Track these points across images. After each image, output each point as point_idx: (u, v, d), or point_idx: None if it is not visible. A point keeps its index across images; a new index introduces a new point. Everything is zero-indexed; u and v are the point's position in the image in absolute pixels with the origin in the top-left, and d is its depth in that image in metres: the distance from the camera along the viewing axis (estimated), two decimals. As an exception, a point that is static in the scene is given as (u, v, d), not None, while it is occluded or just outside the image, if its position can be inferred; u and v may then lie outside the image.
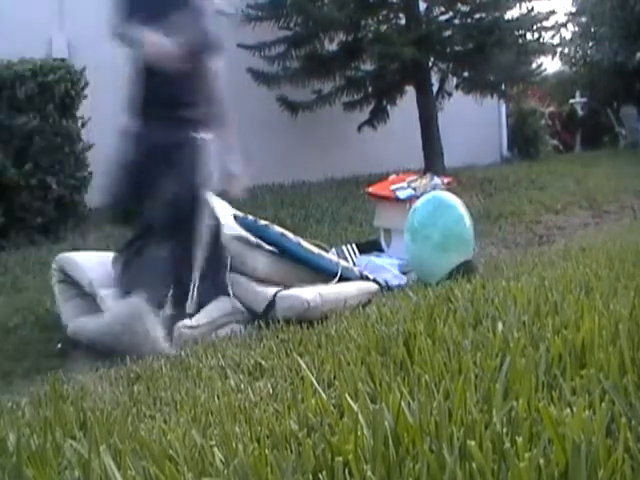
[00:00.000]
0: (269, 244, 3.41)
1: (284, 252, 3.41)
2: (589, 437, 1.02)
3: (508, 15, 8.32)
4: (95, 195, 6.32)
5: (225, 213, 3.56)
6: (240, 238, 3.41)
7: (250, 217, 3.53)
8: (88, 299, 3.40)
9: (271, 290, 3.23)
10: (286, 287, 3.28)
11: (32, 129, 5.61)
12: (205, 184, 3.20)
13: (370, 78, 8.05)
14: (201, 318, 3.14)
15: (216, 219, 3.36)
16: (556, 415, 1.13)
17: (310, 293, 3.13)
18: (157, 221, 3.08)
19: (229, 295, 3.31)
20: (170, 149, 3.14)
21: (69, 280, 3.49)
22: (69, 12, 7.11)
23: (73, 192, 5.96)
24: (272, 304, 3.16)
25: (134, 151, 3.20)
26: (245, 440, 1.33)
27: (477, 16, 8.12)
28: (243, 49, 7.55)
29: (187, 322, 3.09)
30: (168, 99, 3.17)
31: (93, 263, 3.52)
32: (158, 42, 3.09)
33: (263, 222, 3.48)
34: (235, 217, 3.49)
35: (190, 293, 3.16)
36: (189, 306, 3.17)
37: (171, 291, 3.13)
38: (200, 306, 3.21)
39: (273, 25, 7.65)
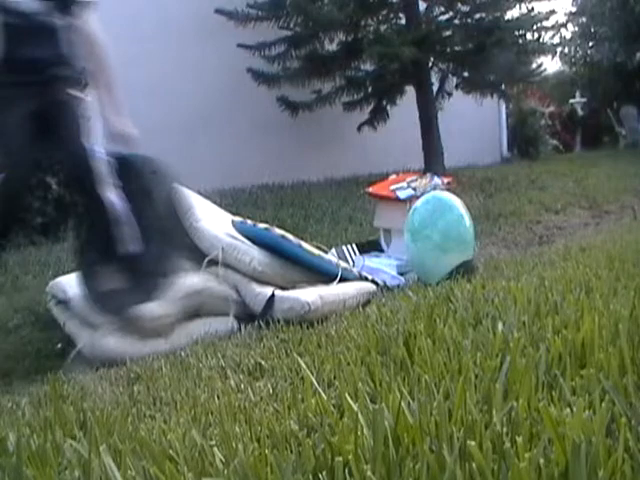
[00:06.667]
0: (269, 247, 3.38)
1: (284, 254, 3.39)
2: (589, 437, 1.02)
3: (508, 15, 8.31)
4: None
5: (222, 217, 3.53)
6: (235, 236, 3.40)
7: (249, 221, 3.51)
8: (83, 309, 3.39)
9: (268, 290, 3.22)
10: (284, 288, 3.26)
11: (32, 129, 5.61)
12: (89, 143, 2.99)
13: (370, 78, 8.05)
14: (167, 306, 3.04)
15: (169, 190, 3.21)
16: (556, 415, 1.13)
17: (310, 295, 3.12)
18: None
19: (191, 247, 3.22)
20: (48, 110, 2.95)
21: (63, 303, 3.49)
22: (69, 12, 7.11)
23: (73, 192, 5.96)
24: (270, 304, 3.15)
25: (11, 114, 2.99)
26: (245, 440, 1.33)
27: (477, 16, 8.11)
28: (243, 49, 7.56)
29: (155, 312, 2.99)
30: (37, 56, 2.96)
31: (68, 277, 3.49)
32: None
33: (262, 225, 3.45)
34: (233, 222, 3.47)
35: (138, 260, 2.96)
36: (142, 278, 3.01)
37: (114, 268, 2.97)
38: (159, 275, 3.04)
39: (273, 25, 7.64)
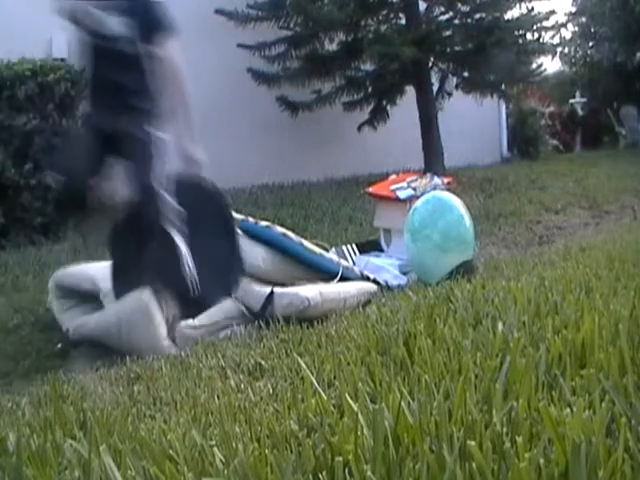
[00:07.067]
0: (271, 245, 3.40)
1: (286, 252, 3.40)
2: (589, 437, 1.02)
3: (508, 15, 8.32)
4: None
5: None
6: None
7: (250, 219, 3.52)
8: (87, 307, 3.40)
9: (268, 288, 3.23)
10: (285, 286, 3.27)
11: (32, 129, 5.61)
12: (160, 179, 3.09)
13: (370, 78, 8.05)
14: (204, 319, 3.13)
15: (230, 220, 3.36)
16: (556, 415, 1.13)
17: (310, 291, 3.13)
18: (127, 220, 3.07)
19: (232, 297, 3.30)
20: (123, 142, 3.03)
21: (67, 294, 3.49)
22: (69, 12, 7.11)
23: (73, 192, 5.96)
24: (270, 300, 3.15)
25: (86, 137, 3.15)
26: (245, 440, 1.33)
27: (477, 16, 8.12)
28: (243, 49, 7.55)
29: (190, 322, 3.09)
30: (118, 87, 3.06)
31: (91, 267, 3.54)
32: (96, 14, 3.03)
33: (264, 223, 3.47)
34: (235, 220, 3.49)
35: (191, 292, 3.14)
36: (191, 305, 3.16)
37: (165, 290, 3.12)
38: (204, 306, 3.20)
39: (273, 25, 7.65)
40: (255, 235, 3.41)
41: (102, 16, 3.05)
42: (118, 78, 3.05)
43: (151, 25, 3.12)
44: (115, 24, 3.05)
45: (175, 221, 3.08)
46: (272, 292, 3.15)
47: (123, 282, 3.14)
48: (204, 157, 3.26)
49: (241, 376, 2.08)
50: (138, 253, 3.04)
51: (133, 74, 3.08)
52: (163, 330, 2.98)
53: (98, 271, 3.45)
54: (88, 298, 3.40)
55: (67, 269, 3.63)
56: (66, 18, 3.12)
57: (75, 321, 3.33)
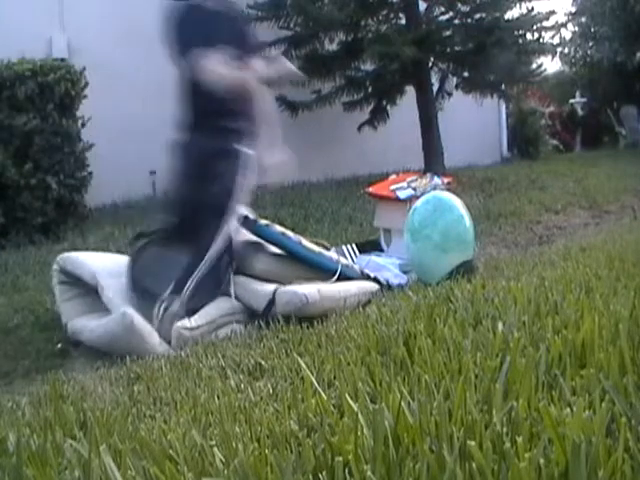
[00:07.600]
0: (270, 243, 3.40)
1: (285, 251, 3.41)
2: (589, 437, 1.02)
3: (508, 15, 8.31)
4: (95, 195, 6.36)
5: None
6: (242, 239, 3.43)
7: (251, 217, 3.53)
8: (88, 299, 3.40)
9: (270, 287, 3.23)
10: (285, 285, 3.28)
11: (32, 129, 5.61)
12: (239, 194, 3.30)
13: (370, 78, 8.05)
14: (200, 319, 3.13)
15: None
16: (556, 415, 1.13)
17: (309, 289, 3.13)
18: (185, 221, 3.25)
19: (229, 295, 3.31)
20: (212, 158, 3.26)
21: (70, 280, 3.49)
22: (69, 12, 7.12)
23: (73, 192, 5.96)
24: (272, 301, 3.16)
25: (182, 164, 3.36)
26: (245, 440, 1.33)
27: (477, 16, 8.11)
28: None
29: (186, 323, 3.08)
30: (213, 110, 3.30)
31: (94, 259, 3.55)
32: (221, 69, 3.23)
33: (264, 221, 3.48)
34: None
35: (185, 290, 3.15)
36: (182, 303, 3.17)
37: (170, 290, 3.15)
38: (200, 305, 3.21)
39: (273, 25, 7.64)
40: (254, 232, 3.42)
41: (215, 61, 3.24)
42: (212, 104, 3.29)
43: (246, 49, 3.40)
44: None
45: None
46: (274, 295, 3.16)
47: (146, 272, 3.28)
48: (280, 158, 3.49)
49: (241, 376, 2.08)
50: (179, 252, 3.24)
51: (222, 99, 3.30)
52: (155, 339, 2.98)
53: (91, 257, 3.50)
54: (89, 290, 3.40)
55: (71, 255, 3.63)
56: (184, 69, 3.35)
57: (74, 319, 3.34)
